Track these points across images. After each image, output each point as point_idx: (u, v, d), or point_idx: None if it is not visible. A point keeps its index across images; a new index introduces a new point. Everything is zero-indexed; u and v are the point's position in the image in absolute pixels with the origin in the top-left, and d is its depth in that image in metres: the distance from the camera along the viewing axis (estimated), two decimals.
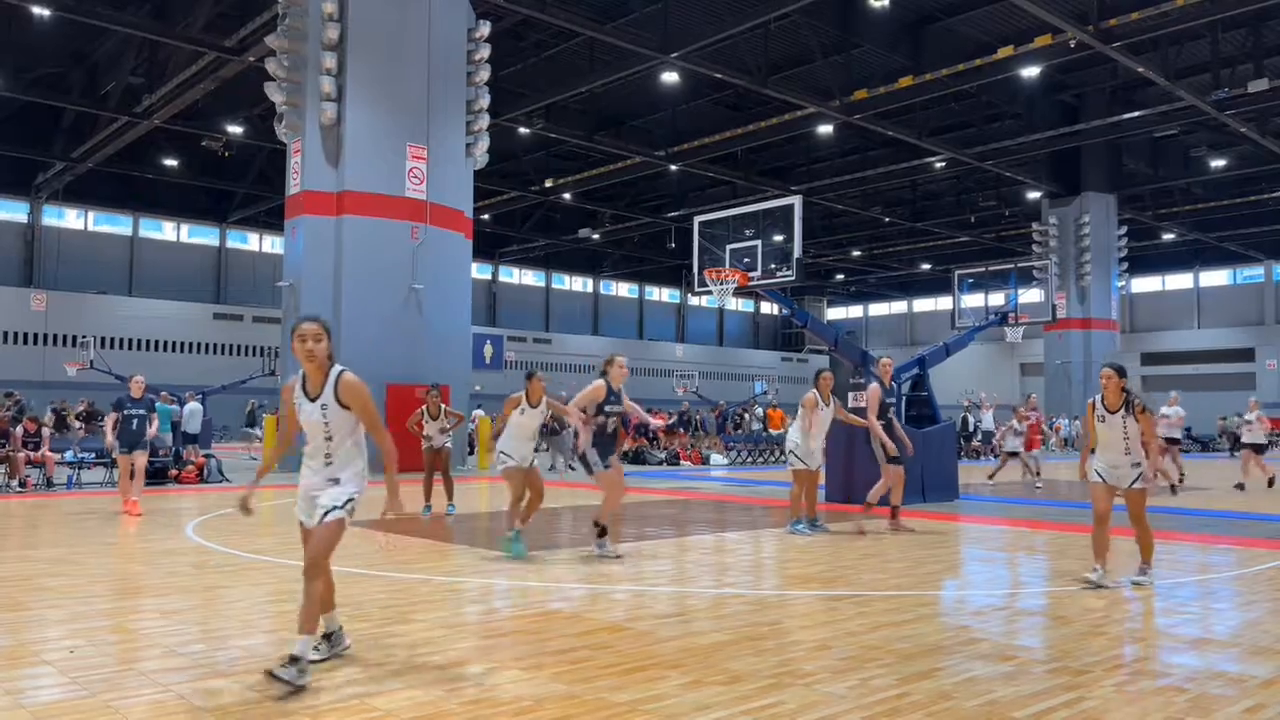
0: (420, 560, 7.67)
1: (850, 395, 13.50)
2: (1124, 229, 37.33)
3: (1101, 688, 4.29)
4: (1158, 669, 4.66)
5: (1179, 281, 50.53)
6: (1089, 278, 36.45)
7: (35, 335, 34.16)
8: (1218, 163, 34.16)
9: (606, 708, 3.93)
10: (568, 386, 18.01)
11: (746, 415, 30.48)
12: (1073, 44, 22.16)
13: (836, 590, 6.69)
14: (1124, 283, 40.27)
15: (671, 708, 3.94)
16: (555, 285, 53.04)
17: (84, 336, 30.52)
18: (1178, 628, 5.61)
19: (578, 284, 53.98)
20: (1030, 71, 25.37)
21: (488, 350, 43.71)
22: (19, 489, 14.09)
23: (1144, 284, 50.62)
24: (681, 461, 24.41)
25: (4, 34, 24.82)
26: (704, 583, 7.12)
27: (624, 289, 56.23)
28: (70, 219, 37.89)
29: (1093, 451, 7.24)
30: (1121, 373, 7.08)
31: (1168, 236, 43.04)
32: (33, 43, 25.89)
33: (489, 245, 46.04)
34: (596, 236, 44.14)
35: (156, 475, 15.12)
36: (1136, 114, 28.71)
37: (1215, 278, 49.82)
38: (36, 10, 21.09)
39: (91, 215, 38.44)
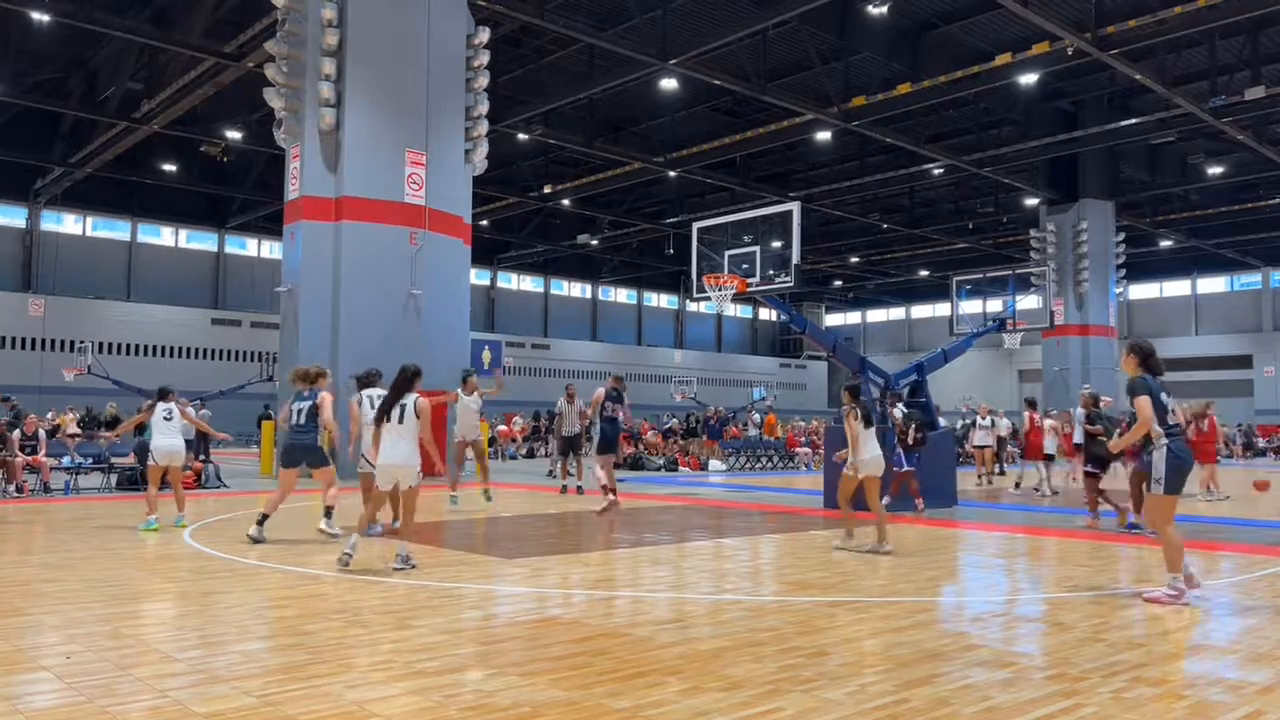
0: (417, 565, 7.64)
1: None
2: (1122, 235, 37.35)
3: (1099, 694, 4.29)
4: (1156, 675, 4.66)
5: (1176, 288, 50.63)
6: (1087, 284, 36.44)
7: (33, 340, 34.11)
8: (1215, 170, 34.21)
9: (605, 714, 3.93)
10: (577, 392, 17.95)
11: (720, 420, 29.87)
12: (1070, 51, 22.20)
13: (835, 596, 6.69)
14: (1122, 289, 40.29)
15: (670, 714, 3.94)
16: (554, 291, 53.06)
17: (82, 342, 30.52)
18: (1176, 634, 5.62)
19: (576, 290, 53.99)
20: (1028, 78, 25.41)
21: (486, 356, 43.66)
22: (15, 494, 14.07)
23: (1142, 290, 50.71)
24: (680, 467, 24.40)
25: (3, 39, 24.82)
26: (703, 588, 7.12)
27: (623, 295, 56.24)
28: (69, 224, 37.86)
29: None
30: (853, 392, 9.07)
31: (1165, 243, 43.11)
32: (32, 48, 25.90)
33: (488, 251, 46.06)
34: (595, 242, 44.17)
35: None
36: (1134, 121, 28.77)
37: (1213, 284, 49.91)
38: (36, 15, 21.10)
39: (90, 220, 38.42)
